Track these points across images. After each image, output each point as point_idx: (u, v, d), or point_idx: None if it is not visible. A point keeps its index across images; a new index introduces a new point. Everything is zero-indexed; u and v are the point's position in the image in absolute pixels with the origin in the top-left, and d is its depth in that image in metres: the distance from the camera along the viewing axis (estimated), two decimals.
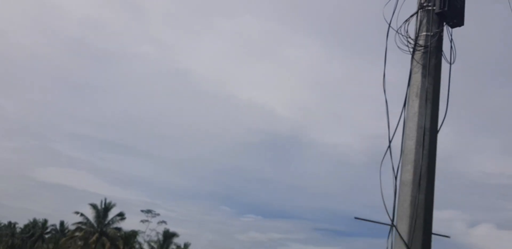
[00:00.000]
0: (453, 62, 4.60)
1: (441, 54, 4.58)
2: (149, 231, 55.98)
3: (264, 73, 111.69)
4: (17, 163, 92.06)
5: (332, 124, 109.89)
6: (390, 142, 4.33)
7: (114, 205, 48.92)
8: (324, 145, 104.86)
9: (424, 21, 4.61)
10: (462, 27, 4.72)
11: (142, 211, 58.94)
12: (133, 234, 51.01)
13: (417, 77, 4.46)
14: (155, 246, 54.06)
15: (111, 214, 48.43)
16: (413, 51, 4.56)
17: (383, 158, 4.28)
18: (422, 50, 4.51)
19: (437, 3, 4.56)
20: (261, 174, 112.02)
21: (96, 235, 46.41)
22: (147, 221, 57.38)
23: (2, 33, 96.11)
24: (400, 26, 4.66)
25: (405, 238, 3.89)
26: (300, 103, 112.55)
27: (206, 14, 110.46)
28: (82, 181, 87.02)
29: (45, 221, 66.95)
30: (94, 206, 48.06)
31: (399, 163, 4.25)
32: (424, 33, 4.56)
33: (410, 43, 4.59)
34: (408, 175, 4.12)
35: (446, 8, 4.52)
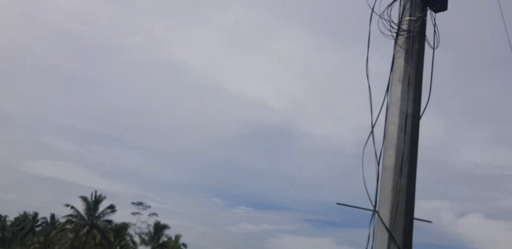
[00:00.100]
0: (437, 47, 4.57)
1: (424, 39, 4.55)
2: (140, 223, 56.13)
3: (255, 65, 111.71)
4: (6, 155, 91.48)
5: (323, 115, 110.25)
6: (373, 127, 4.30)
7: (104, 197, 48.83)
8: (315, 136, 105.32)
9: (408, 5, 4.57)
10: (445, 12, 4.69)
11: (133, 203, 59.12)
12: (124, 226, 51.01)
13: (400, 62, 4.42)
14: (146, 238, 54.09)
15: (102, 206, 48.37)
16: (396, 36, 4.52)
17: (365, 143, 4.25)
18: (405, 35, 4.47)
19: None
20: (252, 166, 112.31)
21: (87, 227, 46.33)
22: (138, 213, 57.53)
23: None
24: (383, 11, 4.62)
25: (387, 223, 3.87)
26: (291, 95, 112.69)
27: (197, 5, 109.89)
28: (72, 173, 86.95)
29: (36, 214, 66.93)
30: (84, 199, 47.93)
31: (382, 148, 4.23)
32: (408, 18, 4.52)
33: (393, 28, 4.55)
34: (390, 160, 4.09)
35: None
